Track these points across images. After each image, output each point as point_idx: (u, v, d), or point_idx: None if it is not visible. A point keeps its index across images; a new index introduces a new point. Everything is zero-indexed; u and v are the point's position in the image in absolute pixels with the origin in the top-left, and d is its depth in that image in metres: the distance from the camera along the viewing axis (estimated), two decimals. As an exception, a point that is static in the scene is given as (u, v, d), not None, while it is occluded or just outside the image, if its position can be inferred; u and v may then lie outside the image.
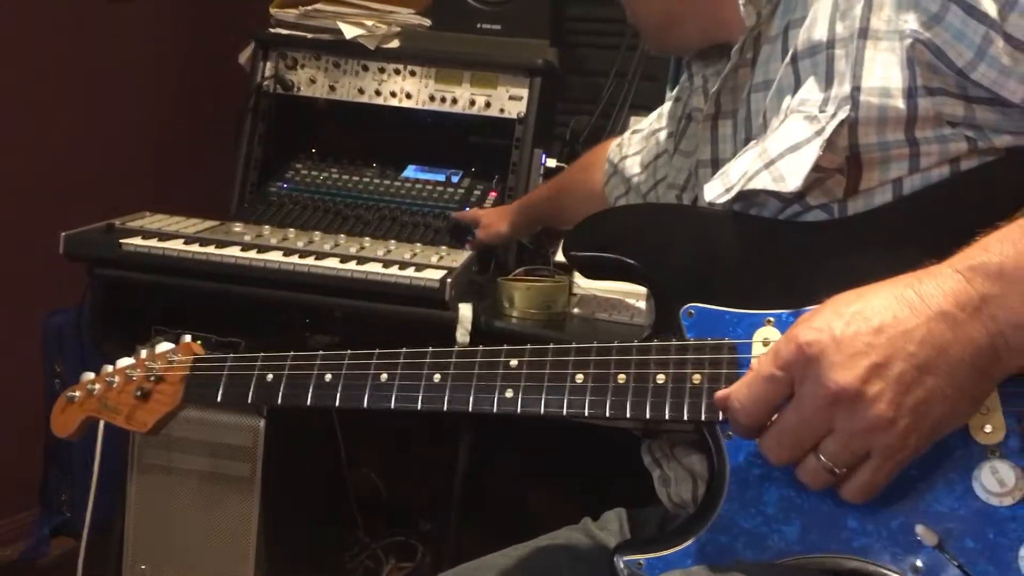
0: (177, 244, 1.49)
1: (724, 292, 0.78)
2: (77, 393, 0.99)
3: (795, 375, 0.65)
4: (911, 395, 0.63)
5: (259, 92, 1.88)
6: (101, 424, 1.51)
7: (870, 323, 0.64)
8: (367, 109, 1.88)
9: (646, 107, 1.87)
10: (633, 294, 1.55)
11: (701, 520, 0.75)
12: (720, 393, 0.70)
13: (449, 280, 1.39)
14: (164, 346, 0.98)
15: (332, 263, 1.44)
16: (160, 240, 1.50)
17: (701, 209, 0.88)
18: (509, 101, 1.80)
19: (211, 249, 1.47)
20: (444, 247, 1.59)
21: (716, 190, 0.83)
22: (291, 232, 1.59)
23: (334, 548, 2.01)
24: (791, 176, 0.77)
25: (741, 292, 0.78)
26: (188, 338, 0.99)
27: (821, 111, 0.78)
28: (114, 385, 0.97)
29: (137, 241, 1.49)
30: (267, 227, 1.61)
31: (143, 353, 0.98)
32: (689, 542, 0.75)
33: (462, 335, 1.37)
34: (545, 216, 1.56)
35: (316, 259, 1.45)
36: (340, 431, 1.87)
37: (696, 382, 0.75)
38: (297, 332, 1.80)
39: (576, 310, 1.50)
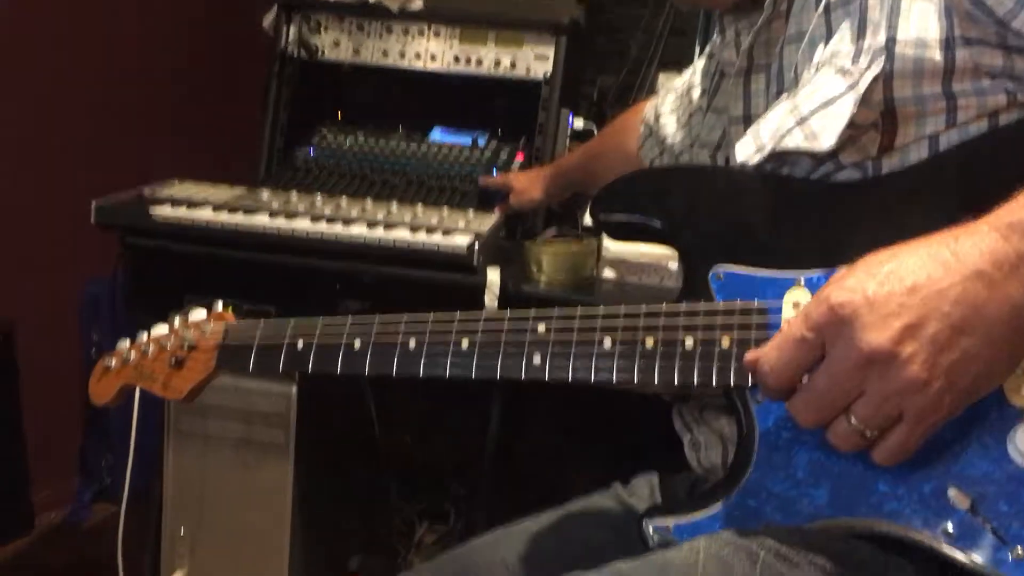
0: (206, 212, 1.49)
1: (754, 254, 0.77)
2: (113, 361, 0.99)
3: (826, 337, 0.64)
4: (945, 356, 0.61)
5: (283, 57, 1.87)
6: (137, 393, 1.54)
7: (904, 283, 0.62)
8: (392, 72, 1.87)
9: (675, 64, 1.84)
10: (663, 256, 1.53)
11: (730, 484, 0.75)
12: (749, 355, 0.69)
13: (477, 245, 1.38)
14: (197, 314, 0.98)
15: (360, 229, 1.44)
16: (189, 208, 1.50)
17: (730, 169, 0.86)
18: (535, 61, 1.77)
19: (240, 217, 1.47)
20: (471, 211, 1.57)
21: (747, 149, 0.80)
22: (318, 198, 1.58)
23: (368, 512, 2.04)
24: (824, 134, 0.75)
25: (771, 254, 0.76)
26: (220, 306, 0.99)
27: (854, 63, 0.75)
28: (149, 353, 0.97)
29: (167, 210, 1.50)
30: (294, 193, 1.61)
31: (176, 321, 0.99)
32: (718, 506, 0.74)
33: (490, 300, 1.37)
34: (579, 181, 1.54)
35: (344, 225, 1.45)
36: (372, 397, 1.88)
37: (725, 346, 0.73)
38: (326, 298, 1.80)
39: (605, 274, 1.49)
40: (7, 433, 2.16)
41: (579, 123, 1.76)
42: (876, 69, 0.73)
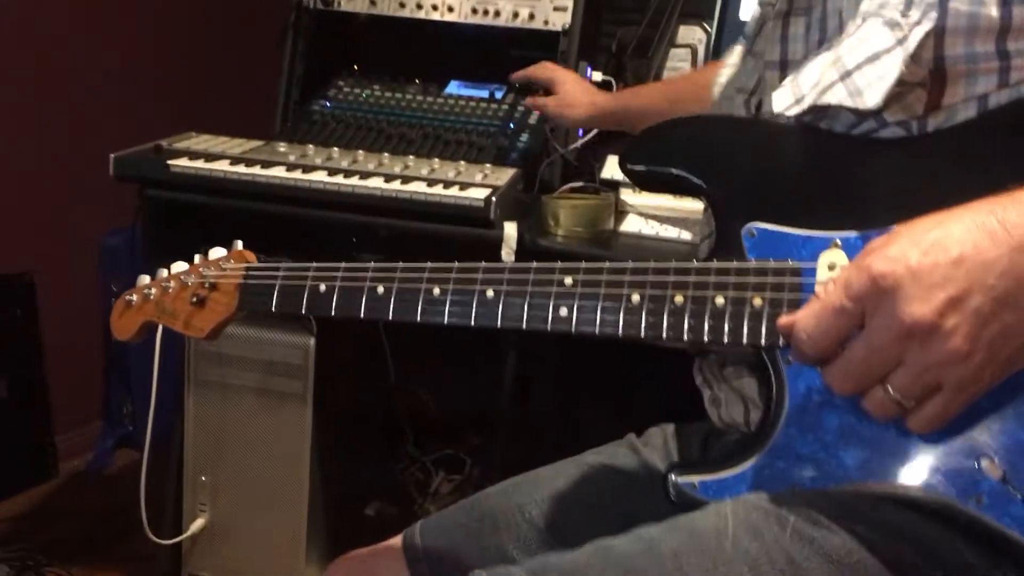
0: (223, 165, 1.49)
1: (789, 212, 0.74)
2: (134, 297, 0.99)
3: (867, 307, 0.62)
4: (988, 329, 0.60)
5: (299, 7, 1.85)
6: (158, 341, 1.56)
7: (949, 253, 0.60)
8: (408, 23, 1.85)
9: (695, 16, 1.81)
10: (681, 210, 1.52)
11: (757, 444, 0.74)
12: (784, 320, 0.68)
13: (494, 199, 1.38)
14: (217, 252, 0.98)
15: (376, 182, 1.44)
16: (206, 161, 1.51)
17: (768, 122, 0.83)
18: (553, 12, 1.75)
19: (257, 170, 1.48)
20: (488, 165, 1.57)
21: (785, 100, 0.77)
22: (335, 151, 1.58)
23: (385, 461, 2.07)
24: (870, 91, 0.71)
25: (807, 212, 0.74)
26: (240, 245, 0.98)
27: (904, 16, 0.71)
28: (170, 290, 0.97)
29: (184, 162, 1.50)
30: (311, 147, 1.61)
31: (196, 259, 0.98)
32: (745, 466, 0.74)
33: (507, 254, 1.37)
34: (644, 123, 1.42)
35: (360, 179, 1.45)
36: (389, 348, 1.90)
37: (757, 305, 0.72)
38: (343, 251, 1.81)
39: (623, 227, 1.49)
40: (30, 382, 2.20)
41: (597, 76, 1.74)
42: (928, 24, 0.70)
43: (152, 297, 0.98)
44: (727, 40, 1.76)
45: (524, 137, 1.71)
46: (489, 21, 1.79)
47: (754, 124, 0.88)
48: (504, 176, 1.49)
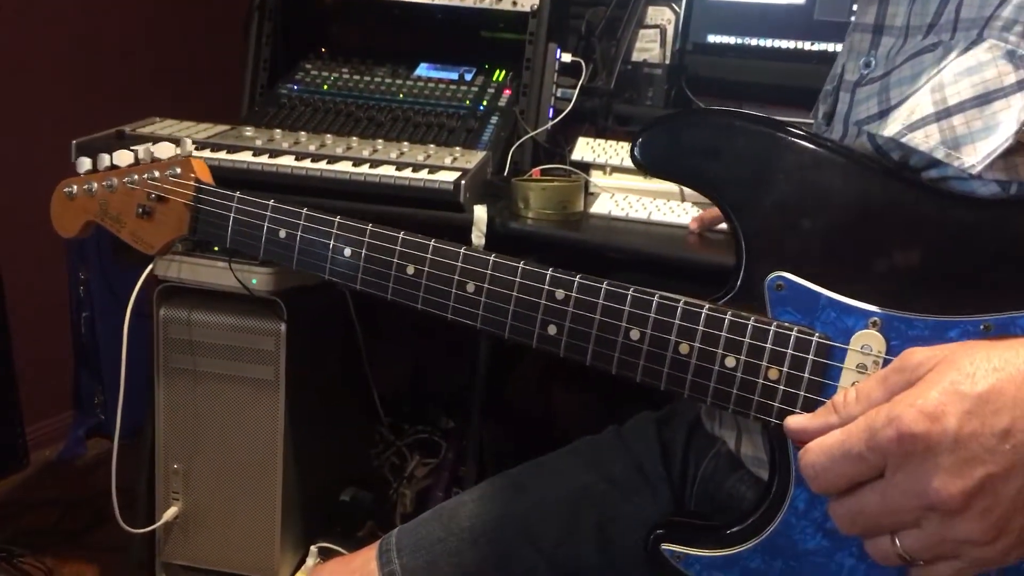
0: (188, 150, 1.47)
1: (827, 267, 0.63)
2: (75, 188, 0.93)
3: (889, 462, 0.54)
4: (1022, 515, 0.52)
5: (265, -11, 1.83)
6: (125, 330, 1.55)
7: (997, 421, 0.51)
8: (377, 5, 1.82)
9: (664, -3, 1.80)
10: (651, 192, 1.52)
11: (755, 529, 0.66)
12: (795, 428, 0.59)
13: (463, 182, 1.38)
14: (164, 149, 0.91)
15: (345, 167, 1.43)
16: (171, 146, 1.48)
17: (826, 147, 0.66)
18: (522, -7, 1.74)
19: (223, 155, 1.46)
20: (458, 148, 1.56)
21: (867, 109, 0.65)
22: (303, 135, 1.57)
23: (359, 446, 2.07)
24: (969, 150, 0.58)
25: (849, 272, 0.62)
26: (189, 145, 0.92)
27: None
28: (113, 190, 0.91)
29: (149, 148, 1.48)
30: (278, 131, 1.59)
31: (140, 152, 0.92)
32: (736, 550, 0.67)
33: (477, 237, 1.37)
34: None
35: (328, 163, 1.43)
36: (361, 332, 1.89)
37: (772, 379, 0.63)
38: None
39: (593, 209, 1.48)
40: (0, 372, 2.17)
41: (567, 57, 1.73)
42: None
43: (94, 193, 0.91)
44: (696, 21, 1.76)
45: (494, 119, 1.70)
46: (458, 2, 1.77)
47: (807, 145, 0.67)
48: (474, 159, 1.48)
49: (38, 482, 2.24)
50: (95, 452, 2.37)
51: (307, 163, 1.43)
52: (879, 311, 0.61)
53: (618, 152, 1.59)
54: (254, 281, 1.54)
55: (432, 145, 1.58)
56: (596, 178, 1.59)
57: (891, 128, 0.63)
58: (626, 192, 1.53)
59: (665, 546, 0.70)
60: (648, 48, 1.80)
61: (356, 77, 1.83)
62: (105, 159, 0.92)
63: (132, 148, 0.94)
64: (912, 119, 0.62)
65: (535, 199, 1.42)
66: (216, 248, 1.56)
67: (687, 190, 1.51)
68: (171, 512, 1.67)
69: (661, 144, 0.70)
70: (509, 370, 2.05)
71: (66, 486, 2.22)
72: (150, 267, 1.56)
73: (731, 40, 1.73)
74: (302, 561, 1.76)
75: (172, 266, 1.57)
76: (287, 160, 1.44)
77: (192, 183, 0.88)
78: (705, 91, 1.73)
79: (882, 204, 0.62)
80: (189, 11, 2.54)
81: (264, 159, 1.45)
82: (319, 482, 1.81)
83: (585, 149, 1.62)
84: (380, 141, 1.58)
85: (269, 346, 1.60)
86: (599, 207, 1.48)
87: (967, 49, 0.61)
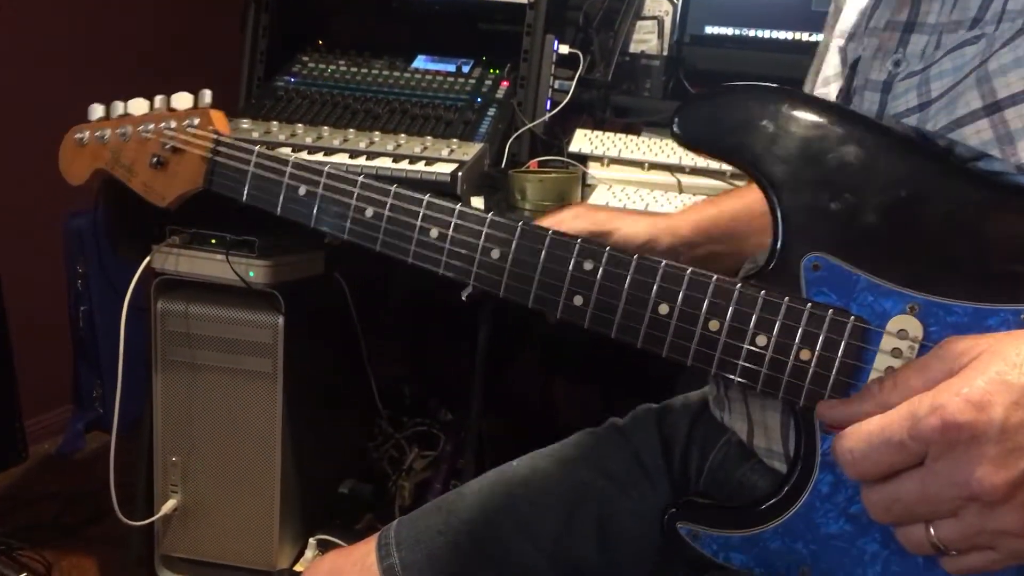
0: (186, 143, 1.47)
1: (867, 250, 0.62)
2: (86, 135, 0.90)
3: (931, 450, 0.53)
4: None
5: (262, -19, 1.82)
6: (123, 323, 1.54)
7: None
8: (374, -3, 1.82)
9: (662, -12, 1.80)
10: (648, 184, 1.52)
11: (775, 510, 0.65)
12: (828, 417, 0.58)
13: (460, 174, 1.38)
14: (182, 99, 0.89)
15: (342, 159, 1.42)
16: (168, 139, 1.48)
17: (869, 126, 0.65)
18: (520, -16, 1.73)
19: (220, 147, 1.45)
20: (455, 140, 1.56)
21: (906, 101, 0.63)
22: (300, 128, 1.56)
23: (358, 438, 2.07)
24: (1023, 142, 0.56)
25: (889, 256, 0.61)
26: (208, 97, 0.88)
27: None
28: (127, 139, 0.88)
29: (146, 140, 1.48)
30: (275, 123, 1.59)
31: (158, 102, 0.89)
32: (754, 531, 0.66)
33: (474, 229, 1.36)
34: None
35: (325, 155, 1.43)
36: (360, 324, 1.89)
37: (803, 359, 0.62)
38: (310, 229, 1.80)
39: (590, 200, 1.48)
40: (-3, 365, 2.17)
41: (564, 49, 1.73)
42: None
43: (107, 141, 0.88)
44: (693, 12, 1.76)
45: (492, 111, 1.70)
46: (455, -7, 1.77)
47: (854, 125, 0.66)
48: (471, 151, 1.48)
49: (37, 476, 2.24)
50: (94, 446, 2.37)
51: (304, 155, 1.43)
52: (919, 296, 0.60)
53: (616, 144, 1.59)
54: (251, 274, 1.54)
55: (429, 137, 1.57)
56: (594, 170, 1.58)
57: (937, 121, 0.62)
58: (623, 184, 1.53)
59: (681, 524, 0.68)
60: (646, 39, 1.79)
61: (353, 69, 1.83)
62: (119, 107, 0.90)
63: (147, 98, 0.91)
64: (958, 113, 0.61)
65: (532, 191, 1.42)
66: (214, 241, 1.56)
67: (684, 181, 1.51)
68: (170, 505, 1.67)
69: (701, 118, 0.69)
70: (508, 363, 2.05)
71: (65, 480, 2.22)
72: (147, 260, 1.56)
73: (729, 31, 1.73)
74: (301, 553, 1.77)
75: (170, 259, 1.57)
76: (284, 152, 1.44)
77: (211, 135, 0.85)
78: (703, 82, 1.72)
79: (928, 189, 0.61)
80: (186, 3, 2.53)
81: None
82: (318, 474, 1.82)
83: (583, 141, 1.61)
84: (377, 133, 1.57)
85: (267, 339, 1.60)
86: (596, 199, 1.48)
87: (1013, 39, 0.59)
